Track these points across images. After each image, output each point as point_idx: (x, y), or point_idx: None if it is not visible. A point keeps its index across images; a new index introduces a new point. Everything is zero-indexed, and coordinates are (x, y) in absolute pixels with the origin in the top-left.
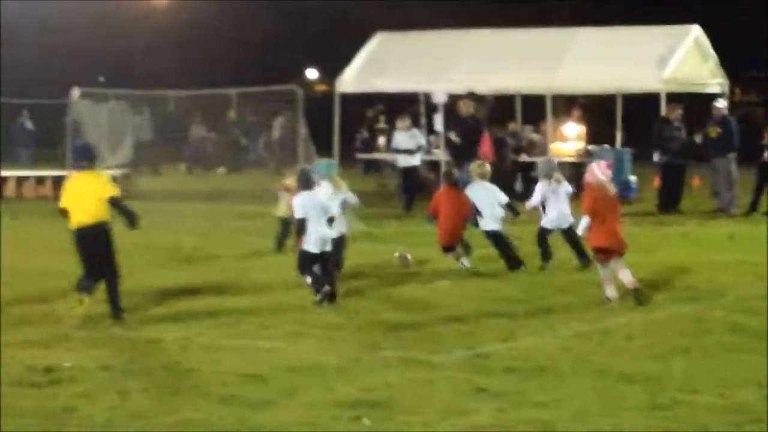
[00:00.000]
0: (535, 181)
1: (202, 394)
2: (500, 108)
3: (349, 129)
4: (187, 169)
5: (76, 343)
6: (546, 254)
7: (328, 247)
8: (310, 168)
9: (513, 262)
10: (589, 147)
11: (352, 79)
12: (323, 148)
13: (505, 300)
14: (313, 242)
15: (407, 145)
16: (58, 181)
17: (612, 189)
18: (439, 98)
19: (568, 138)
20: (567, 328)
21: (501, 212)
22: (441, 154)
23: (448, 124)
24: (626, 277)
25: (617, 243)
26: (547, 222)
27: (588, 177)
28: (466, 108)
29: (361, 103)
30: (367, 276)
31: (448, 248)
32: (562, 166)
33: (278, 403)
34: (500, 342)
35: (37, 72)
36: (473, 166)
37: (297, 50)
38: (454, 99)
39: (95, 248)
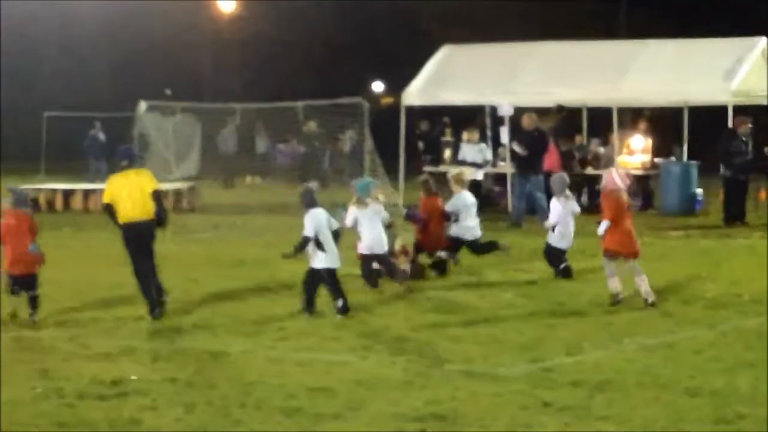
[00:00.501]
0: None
1: (267, 407)
2: (566, 121)
3: (415, 142)
4: (253, 182)
5: (142, 356)
6: (565, 271)
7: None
8: (312, 187)
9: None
10: (656, 160)
11: (417, 92)
12: (389, 160)
13: (570, 313)
14: (327, 259)
15: (474, 158)
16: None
17: (626, 197)
18: (505, 111)
19: (635, 151)
20: (632, 342)
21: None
22: (507, 167)
23: (513, 136)
24: (643, 285)
25: (631, 246)
26: (554, 240)
27: (608, 184)
28: (529, 121)
29: (426, 116)
30: (433, 289)
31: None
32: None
33: (343, 416)
34: (566, 355)
35: (107, 86)
36: (452, 175)
37: (363, 63)
38: (520, 112)
39: (141, 242)
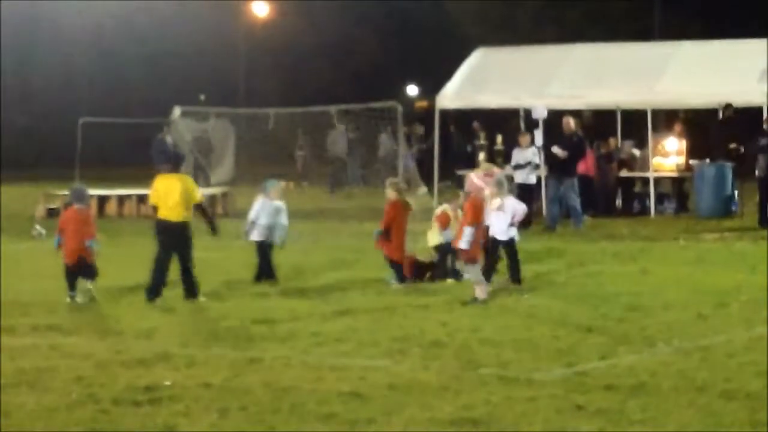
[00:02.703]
0: (636, 196)
1: (301, 412)
2: (600, 123)
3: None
4: (288, 186)
5: (176, 362)
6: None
7: None
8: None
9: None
10: (691, 161)
11: (452, 95)
12: (423, 164)
13: (605, 317)
14: None
15: (525, 161)
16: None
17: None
18: (539, 113)
19: (669, 153)
20: (667, 346)
21: None
22: (541, 170)
23: (550, 139)
24: (482, 291)
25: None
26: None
27: (470, 187)
28: (570, 125)
29: (460, 119)
30: (464, 292)
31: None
32: (663, 181)
33: (378, 421)
34: (600, 359)
35: (142, 91)
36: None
37: (397, 67)
38: (557, 114)
39: (174, 243)
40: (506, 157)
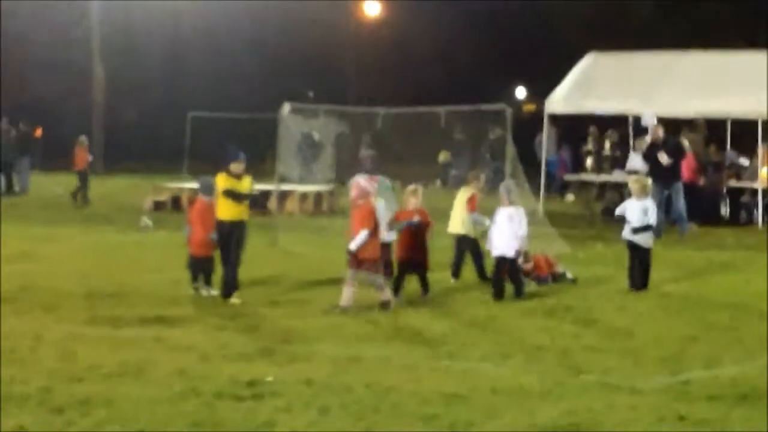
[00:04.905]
0: (743, 206)
1: (401, 413)
2: (711, 132)
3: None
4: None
5: (279, 357)
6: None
7: None
8: None
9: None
10: None
11: (561, 99)
12: (530, 167)
13: (708, 326)
14: None
15: (643, 167)
16: (264, 196)
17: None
18: (648, 120)
19: None
20: None
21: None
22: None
23: (652, 148)
24: (387, 294)
25: (378, 255)
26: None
27: (360, 192)
28: (656, 134)
29: (568, 124)
30: (571, 298)
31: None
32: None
33: (478, 424)
34: (704, 369)
35: (252, 87)
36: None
37: (506, 69)
38: (667, 123)
39: (232, 239)
40: (613, 163)
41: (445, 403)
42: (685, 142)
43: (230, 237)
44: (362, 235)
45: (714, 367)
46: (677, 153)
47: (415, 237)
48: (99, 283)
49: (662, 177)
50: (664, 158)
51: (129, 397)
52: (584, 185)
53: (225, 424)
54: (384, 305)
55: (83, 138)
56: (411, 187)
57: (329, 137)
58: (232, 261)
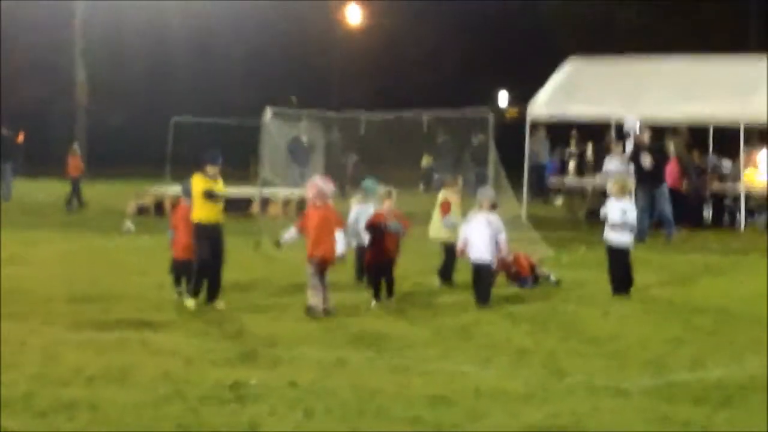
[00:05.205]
0: (726, 209)
1: (386, 415)
2: (692, 137)
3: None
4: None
5: (263, 361)
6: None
7: None
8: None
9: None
10: None
11: (543, 104)
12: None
13: (693, 329)
14: None
15: (619, 169)
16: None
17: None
18: (631, 125)
19: (760, 166)
20: (756, 359)
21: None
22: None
23: (639, 150)
24: (314, 299)
25: (333, 254)
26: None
27: (312, 194)
28: (640, 140)
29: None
30: (555, 302)
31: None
32: (754, 194)
33: (463, 427)
34: (689, 371)
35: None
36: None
37: (488, 74)
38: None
39: (212, 243)
40: (596, 168)
41: (430, 406)
42: (671, 147)
43: (213, 240)
44: (341, 237)
45: (699, 370)
46: (661, 157)
47: (386, 240)
48: (83, 287)
49: (647, 180)
50: (647, 161)
51: (113, 401)
52: (569, 189)
53: (209, 427)
54: (309, 310)
55: (76, 146)
56: (385, 190)
57: (318, 141)
58: (218, 265)
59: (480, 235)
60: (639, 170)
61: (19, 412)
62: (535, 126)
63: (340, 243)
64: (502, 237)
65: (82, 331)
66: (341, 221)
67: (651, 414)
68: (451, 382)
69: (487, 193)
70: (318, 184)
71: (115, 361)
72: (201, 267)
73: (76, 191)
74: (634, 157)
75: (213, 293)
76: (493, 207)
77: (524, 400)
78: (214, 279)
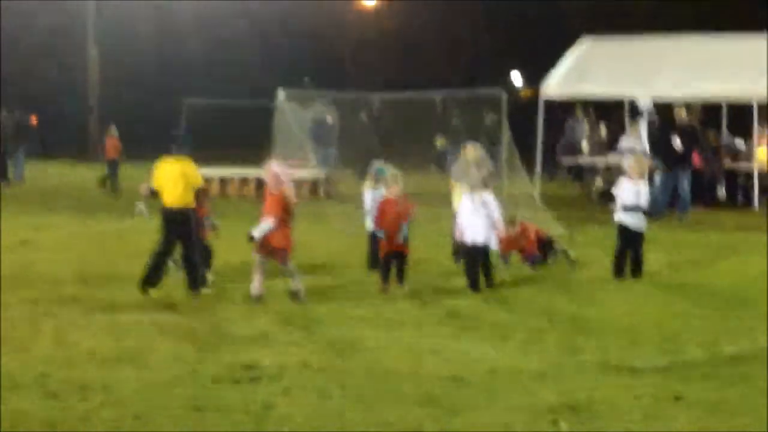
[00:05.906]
0: (740, 188)
1: (400, 395)
2: (706, 116)
3: (553, 134)
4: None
5: (277, 342)
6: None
7: None
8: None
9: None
10: None
11: (556, 84)
12: (526, 152)
13: (706, 307)
14: None
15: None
16: (261, 183)
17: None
18: (644, 104)
19: None
20: None
21: None
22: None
23: (664, 131)
24: (298, 283)
25: (290, 245)
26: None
27: (277, 180)
28: (683, 116)
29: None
30: (568, 280)
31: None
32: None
33: (477, 406)
34: (702, 349)
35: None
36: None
37: (503, 54)
38: (663, 106)
39: (179, 230)
40: (609, 147)
41: (444, 386)
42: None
43: (179, 225)
44: (266, 224)
45: (711, 348)
46: (691, 140)
47: (396, 225)
48: (96, 269)
49: (674, 162)
50: (677, 143)
51: (126, 382)
52: (581, 168)
53: (224, 408)
54: (294, 295)
55: (113, 127)
56: (392, 173)
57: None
58: (188, 251)
59: (477, 216)
60: (667, 151)
61: (32, 393)
62: (571, 105)
63: (263, 226)
64: (497, 215)
65: (95, 313)
66: (277, 210)
67: (664, 392)
68: (466, 362)
69: (480, 172)
70: (274, 170)
71: (127, 342)
72: (158, 253)
73: (113, 175)
74: (660, 137)
75: (193, 281)
76: (487, 185)
77: (538, 379)
78: (190, 266)
